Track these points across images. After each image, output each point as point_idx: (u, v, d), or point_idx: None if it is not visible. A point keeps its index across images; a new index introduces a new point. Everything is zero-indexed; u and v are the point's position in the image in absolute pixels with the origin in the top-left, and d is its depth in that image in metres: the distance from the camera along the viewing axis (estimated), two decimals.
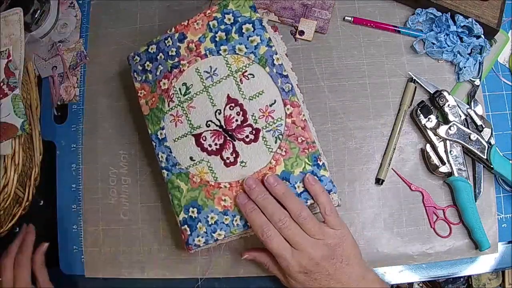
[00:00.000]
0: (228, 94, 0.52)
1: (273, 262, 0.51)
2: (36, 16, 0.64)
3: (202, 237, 0.51)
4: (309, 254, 0.46)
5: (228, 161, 0.51)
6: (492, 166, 0.55)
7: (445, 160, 0.55)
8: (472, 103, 0.58)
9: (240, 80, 0.52)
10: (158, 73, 0.55)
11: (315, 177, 0.48)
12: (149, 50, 0.56)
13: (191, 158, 0.52)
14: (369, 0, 0.63)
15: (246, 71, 0.52)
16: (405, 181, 0.57)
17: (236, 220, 0.50)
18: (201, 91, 0.53)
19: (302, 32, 0.62)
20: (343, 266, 0.48)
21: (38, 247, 0.55)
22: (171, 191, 0.53)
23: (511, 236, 0.56)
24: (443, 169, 0.55)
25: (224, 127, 0.52)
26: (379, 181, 0.57)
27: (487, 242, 0.53)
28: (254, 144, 0.50)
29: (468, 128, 0.56)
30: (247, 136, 0.51)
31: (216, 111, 0.52)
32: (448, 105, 0.56)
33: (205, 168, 0.52)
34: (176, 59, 0.54)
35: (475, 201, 0.55)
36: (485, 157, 0.55)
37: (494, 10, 0.58)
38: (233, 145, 0.51)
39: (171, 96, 0.54)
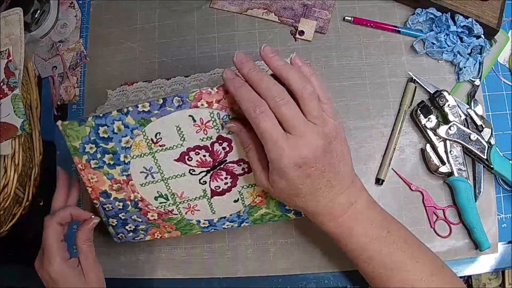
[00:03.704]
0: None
1: (256, 152, 0.43)
2: (36, 16, 0.64)
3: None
4: (308, 141, 0.39)
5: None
6: (492, 166, 0.55)
7: (445, 160, 0.55)
8: (472, 103, 0.58)
9: None
10: None
11: None
12: None
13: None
14: (369, 0, 0.63)
15: None
16: (405, 181, 0.57)
17: None
18: None
19: (302, 32, 0.62)
20: (336, 163, 0.42)
21: (85, 220, 0.49)
22: None
23: (511, 236, 0.56)
24: (443, 169, 0.55)
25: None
26: (379, 181, 0.57)
27: (487, 242, 0.53)
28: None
29: (468, 128, 0.56)
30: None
31: None
32: (448, 105, 0.56)
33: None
34: None
35: (475, 201, 0.55)
36: (485, 157, 0.55)
37: (494, 10, 0.58)
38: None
39: None
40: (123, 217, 0.51)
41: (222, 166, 0.48)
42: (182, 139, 0.46)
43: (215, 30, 0.64)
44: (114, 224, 0.51)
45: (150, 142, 0.47)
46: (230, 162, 0.48)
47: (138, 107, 0.45)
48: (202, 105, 0.44)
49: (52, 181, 0.62)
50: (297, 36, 0.62)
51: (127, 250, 0.59)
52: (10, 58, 0.57)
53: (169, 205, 0.50)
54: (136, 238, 0.52)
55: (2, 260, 0.62)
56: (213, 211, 0.50)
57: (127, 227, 0.52)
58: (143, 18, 0.66)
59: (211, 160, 0.47)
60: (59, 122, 0.46)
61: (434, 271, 0.45)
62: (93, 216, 0.49)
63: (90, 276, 0.47)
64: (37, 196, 0.62)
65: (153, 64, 0.64)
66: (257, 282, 0.57)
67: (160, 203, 0.50)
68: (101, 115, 0.45)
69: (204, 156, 0.47)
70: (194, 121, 0.45)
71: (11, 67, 0.56)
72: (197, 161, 0.47)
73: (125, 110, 0.45)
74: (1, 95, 0.54)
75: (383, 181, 0.57)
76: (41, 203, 0.63)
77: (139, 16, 0.66)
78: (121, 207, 0.50)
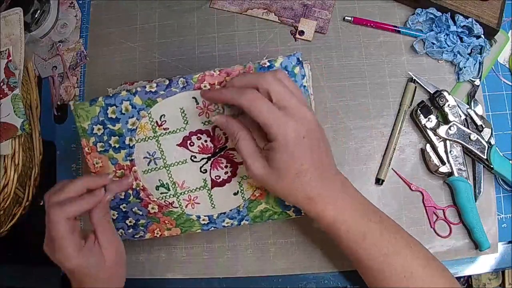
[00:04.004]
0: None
1: (247, 139, 0.43)
2: (36, 16, 0.64)
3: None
4: (304, 112, 0.41)
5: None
6: (492, 166, 0.55)
7: (445, 160, 0.55)
8: (472, 103, 0.58)
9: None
10: None
11: None
12: None
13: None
14: (369, 0, 0.63)
15: None
16: (405, 181, 0.57)
17: None
18: None
19: (302, 32, 0.62)
20: (326, 138, 0.44)
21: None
22: None
23: (511, 236, 0.56)
24: (443, 169, 0.55)
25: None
26: (379, 181, 0.57)
27: (487, 242, 0.53)
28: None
29: (468, 128, 0.56)
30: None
31: None
32: (448, 105, 0.56)
33: None
34: None
35: (475, 201, 0.55)
36: (485, 157, 0.55)
37: (494, 10, 0.58)
38: None
39: None
40: (124, 209, 0.51)
41: (222, 153, 0.49)
42: (185, 122, 0.48)
43: (215, 30, 0.64)
44: (114, 218, 0.52)
45: (155, 124, 0.48)
46: (230, 149, 0.49)
47: (145, 87, 0.47)
48: (205, 87, 0.46)
49: (52, 181, 0.62)
50: (297, 36, 0.62)
51: (127, 250, 0.58)
52: (10, 58, 0.57)
53: (169, 196, 0.50)
54: (136, 236, 0.52)
55: (2, 260, 0.62)
56: (213, 205, 0.50)
57: (127, 222, 0.52)
58: (143, 18, 0.66)
59: (212, 146, 0.48)
60: (71, 102, 0.48)
61: (430, 257, 0.46)
62: (108, 178, 0.45)
63: (108, 251, 0.45)
64: (37, 196, 0.62)
65: (153, 64, 0.64)
66: (257, 282, 0.57)
67: (161, 193, 0.50)
68: (111, 95, 0.47)
69: (206, 141, 0.48)
70: (197, 103, 0.47)
71: (11, 67, 0.56)
72: (198, 146, 0.48)
73: (134, 90, 0.47)
74: (1, 95, 0.54)
75: (383, 181, 0.57)
76: (41, 203, 0.63)
77: (139, 16, 0.66)
78: (122, 197, 0.50)
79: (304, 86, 0.47)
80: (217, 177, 0.50)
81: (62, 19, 0.67)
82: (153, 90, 0.47)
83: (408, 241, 0.46)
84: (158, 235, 0.52)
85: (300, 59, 0.46)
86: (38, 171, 0.61)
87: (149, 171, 0.50)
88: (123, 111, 0.48)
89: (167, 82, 0.46)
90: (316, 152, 0.43)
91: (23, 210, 0.60)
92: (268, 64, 0.46)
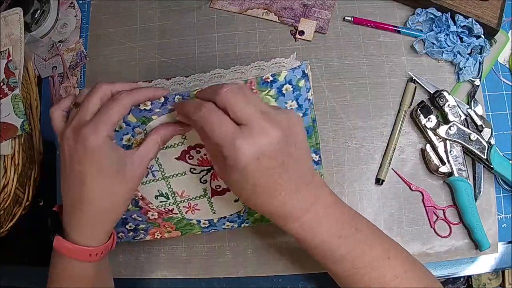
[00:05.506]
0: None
1: (211, 152, 0.40)
2: (36, 16, 0.64)
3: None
4: (265, 129, 0.36)
5: None
6: (492, 166, 0.55)
7: (445, 160, 0.55)
8: (472, 103, 0.58)
9: None
10: None
11: None
12: None
13: None
14: (369, 0, 0.63)
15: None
16: (405, 181, 0.57)
17: None
18: None
19: (302, 32, 0.62)
20: (295, 155, 0.39)
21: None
22: None
23: (511, 236, 0.56)
24: (443, 169, 0.55)
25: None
26: (379, 181, 0.57)
27: (487, 242, 0.53)
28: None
29: (468, 128, 0.56)
30: None
31: None
32: (448, 105, 0.56)
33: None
34: None
35: (475, 201, 0.55)
36: (485, 157, 0.55)
37: (494, 10, 0.58)
38: None
39: None
40: (123, 216, 0.51)
41: None
42: (183, 137, 0.47)
43: (215, 30, 0.64)
44: None
45: None
46: None
47: (139, 105, 0.45)
48: None
49: (52, 181, 0.62)
50: (297, 36, 0.62)
51: (127, 250, 0.59)
52: (10, 58, 0.57)
53: (169, 204, 0.50)
54: (136, 238, 0.52)
55: (2, 260, 0.62)
56: (213, 211, 0.50)
57: (127, 226, 0.51)
58: (143, 18, 0.66)
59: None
60: None
61: (408, 267, 0.43)
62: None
63: (135, 171, 0.42)
64: (37, 196, 0.62)
65: (153, 64, 0.64)
66: (257, 282, 0.57)
67: (161, 202, 0.50)
68: None
69: (205, 154, 0.47)
70: None
71: (11, 67, 0.56)
72: (198, 159, 0.48)
73: None
74: (1, 95, 0.54)
75: (383, 181, 0.57)
76: (41, 203, 0.63)
77: (139, 16, 0.66)
78: None
79: (309, 99, 0.45)
80: (217, 187, 0.49)
81: (62, 19, 0.67)
82: (147, 108, 0.44)
83: (385, 252, 0.43)
84: (158, 237, 0.52)
85: (306, 72, 0.44)
86: (38, 171, 0.61)
87: (148, 182, 0.49)
88: (116, 129, 0.46)
89: (163, 99, 0.44)
90: (276, 172, 0.38)
91: (23, 210, 0.60)
92: (271, 78, 0.43)
